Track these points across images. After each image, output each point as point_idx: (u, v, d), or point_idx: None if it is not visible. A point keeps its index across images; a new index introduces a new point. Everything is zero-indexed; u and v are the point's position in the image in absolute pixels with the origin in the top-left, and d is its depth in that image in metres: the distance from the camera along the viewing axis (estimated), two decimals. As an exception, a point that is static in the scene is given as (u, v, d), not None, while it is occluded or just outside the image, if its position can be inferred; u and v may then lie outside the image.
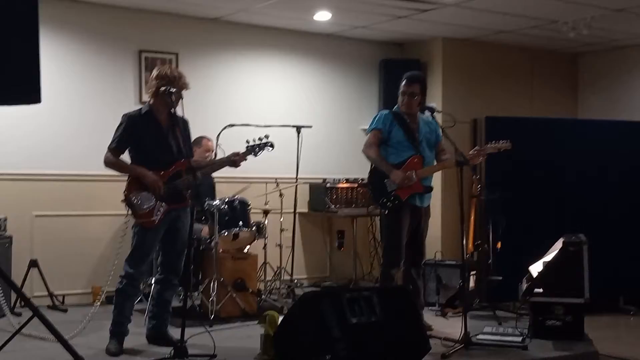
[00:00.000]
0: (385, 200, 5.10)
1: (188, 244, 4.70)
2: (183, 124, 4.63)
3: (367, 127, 5.41)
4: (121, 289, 4.58)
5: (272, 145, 4.78)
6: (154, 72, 4.61)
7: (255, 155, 4.78)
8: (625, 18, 6.49)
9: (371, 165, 5.26)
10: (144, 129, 4.57)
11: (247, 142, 4.74)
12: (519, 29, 7.13)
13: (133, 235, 4.60)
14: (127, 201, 4.54)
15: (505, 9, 6.34)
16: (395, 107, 5.30)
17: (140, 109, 4.69)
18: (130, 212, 4.56)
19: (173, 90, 4.44)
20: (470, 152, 5.24)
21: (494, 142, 5.20)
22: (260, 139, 4.76)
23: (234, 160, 4.69)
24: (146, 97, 6.27)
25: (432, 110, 5.18)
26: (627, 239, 6.64)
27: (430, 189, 5.24)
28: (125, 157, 4.66)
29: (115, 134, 4.60)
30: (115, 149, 4.58)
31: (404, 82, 5.24)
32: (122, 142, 4.57)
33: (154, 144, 4.57)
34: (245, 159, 4.73)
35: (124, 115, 4.64)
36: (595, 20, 6.56)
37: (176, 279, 4.74)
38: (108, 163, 4.62)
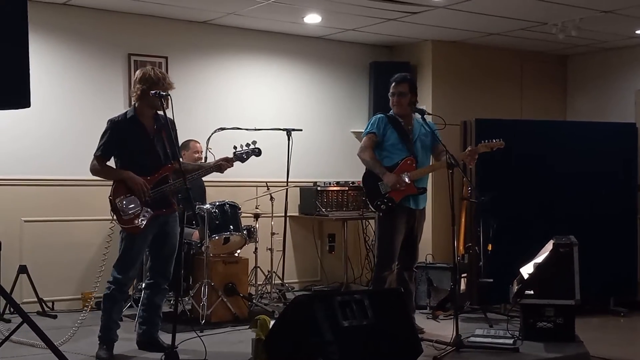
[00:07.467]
0: (379, 202, 5.10)
1: (179, 248, 4.69)
2: (169, 126, 4.52)
3: (357, 129, 5.42)
4: (109, 295, 4.53)
5: (259, 152, 4.77)
6: (137, 74, 4.53)
7: (243, 161, 4.76)
8: (614, 19, 6.52)
9: (365, 168, 5.27)
10: (130, 134, 4.49)
11: (235, 147, 4.72)
12: (508, 31, 7.15)
13: (121, 241, 4.53)
14: (112, 206, 4.46)
15: (494, 11, 6.36)
16: (390, 111, 5.33)
17: (125, 112, 4.59)
18: (115, 217, 4.48)
19: (164, 93, 4.38)
20: (463, 153, 5.25)
21: (486, 141, 5.18)
22: (247, 145, 4.74)
23: (220, 165, 4.66)
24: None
25: (422, 112, 5.18)
26: (617, 240, 6.66)
27: (424, 190, 5.25)
28: (111, 164, 4.59)
29: (100, 140, 4.52)
30: (100, 156, 4.50)
31: (392, 85, 5.30)
32: (108, 148, 4.49)
33: (140, 149, 4.50)
34: (232, 165, 4.71)
35: (109, 120, 4.55)
36: (584, 22, 6.59)
37: (165, 284, 4.70)
38: (94, 171, 4.54)
